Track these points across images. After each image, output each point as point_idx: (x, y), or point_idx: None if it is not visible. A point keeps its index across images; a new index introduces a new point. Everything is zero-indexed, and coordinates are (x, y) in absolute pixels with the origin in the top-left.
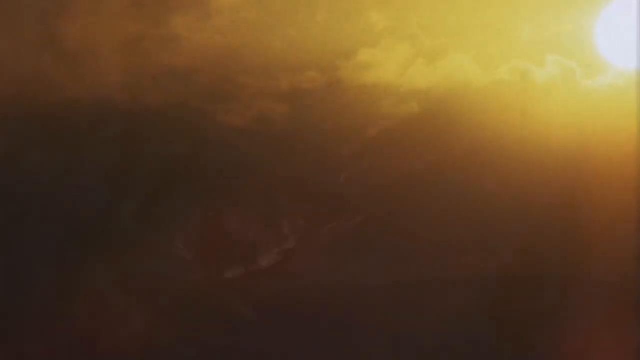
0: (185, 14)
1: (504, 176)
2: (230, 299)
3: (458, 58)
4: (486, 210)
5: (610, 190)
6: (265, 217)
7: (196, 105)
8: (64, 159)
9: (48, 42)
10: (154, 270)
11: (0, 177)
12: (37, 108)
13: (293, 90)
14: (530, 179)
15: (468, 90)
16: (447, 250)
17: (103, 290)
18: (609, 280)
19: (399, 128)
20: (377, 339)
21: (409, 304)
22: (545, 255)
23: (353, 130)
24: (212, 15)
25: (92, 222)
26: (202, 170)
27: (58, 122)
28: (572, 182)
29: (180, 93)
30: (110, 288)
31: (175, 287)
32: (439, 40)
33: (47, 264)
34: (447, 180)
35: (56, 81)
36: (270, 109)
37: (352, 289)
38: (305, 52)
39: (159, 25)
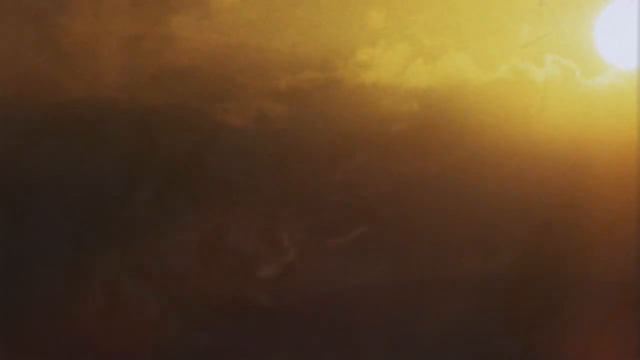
0: (185, 13)
1: (504, 175)
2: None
3: (457, 57)
4: (486, 209)
5: (610, 190)
6: (264, 229)
7: (195, 105)
8: (63, 159)
9: (47, 41)
10: (168, 259)
11: (6, 172)
12: (36, 108)
13: (292, 89)
14: (530, 178)
15: (468, 89)
16: (446, 250)
17: (117, 279)
18: (610, 280)
19: (398, 128)
20: (377, 352)
21: (410, 307)
22: (544, 255)
23: (352, 130)
24: (211, 15)
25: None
26: (201, 171)
27: (57, 121)
28: (572, 181)
29: (179, 92)
30: (124, 276)
31: (189, 276)
32: (438, 39)
33: (60, 254)
34: (447, 180)
35: (55, 80)
36: (270, 109)
37: (353, 303)
38: (305, 52)
39: (158, 25)
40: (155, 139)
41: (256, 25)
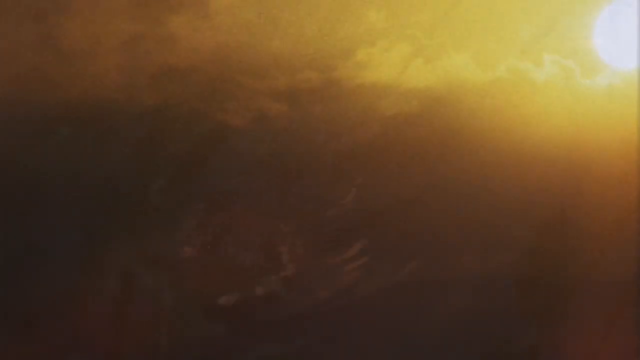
0: (185, 13)
1: (503, 175)
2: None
3: (457, 57)
4: (485, 209)
5: (610, 189)
6: (263, 242)
7: (194, 105)
8: (62, 159)
9: (46, 41)
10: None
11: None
12: (35, 107)
13: (292, 89)
14: (530, 177)
15: (468, 89)
16: (446, 250)
17: (130, 267)
18: (610, 280)
19: (397, 128)
20: None
21: (410, 315)
22: (543, 255)
23: (351, 130)
24: (211, 15)
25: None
26: (200, 173)
27: (55, 121)
28: (571, 181)
29: (178, 92)
30: (138, 264)
31: (203, 264)
32: (438, 39)
33: (74, 243)
34: (446, 180)
35: (54, 80)
36: (269, 109)
37: (352, 322)
38: (304, 52)
39: (158, 25)
40: (154, 139)
41: (255, 25)
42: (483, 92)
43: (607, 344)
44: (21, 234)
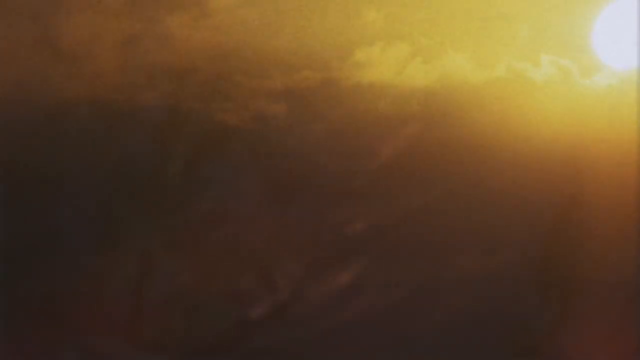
0: (183, 13)
1: (502, 174)
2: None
3: (456, 57)
4: (484, 208)
5: (609, 189)
6: (257, 266)
7: (192, 105)
8: (61, 160)
9: (43, 41)
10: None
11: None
12: (32, 107)
13: (290, 89)
14: (528, 177)
15: (466, 89)
16: (446, 250)
17: (149, 248)
18: (610, 280)
19: (396, 127)
20: None
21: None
22: (543, 254)
23: (350, 130)
24: (209, 14)
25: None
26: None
27: (53, 121)
28: (569, 180)
29: (176, 92)
30: (156, 246)
31: (221, 246)
32: (436, 38)
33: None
34: (445, 180)
35: (51, 80)
36: (268, 109)
37: (350, 344)
38: (302, 51)
39: (156, 25)
40: (153, 139)
41: (254, 25)
42: (482, 92)
43: (610, 345)
44: (40, 218)
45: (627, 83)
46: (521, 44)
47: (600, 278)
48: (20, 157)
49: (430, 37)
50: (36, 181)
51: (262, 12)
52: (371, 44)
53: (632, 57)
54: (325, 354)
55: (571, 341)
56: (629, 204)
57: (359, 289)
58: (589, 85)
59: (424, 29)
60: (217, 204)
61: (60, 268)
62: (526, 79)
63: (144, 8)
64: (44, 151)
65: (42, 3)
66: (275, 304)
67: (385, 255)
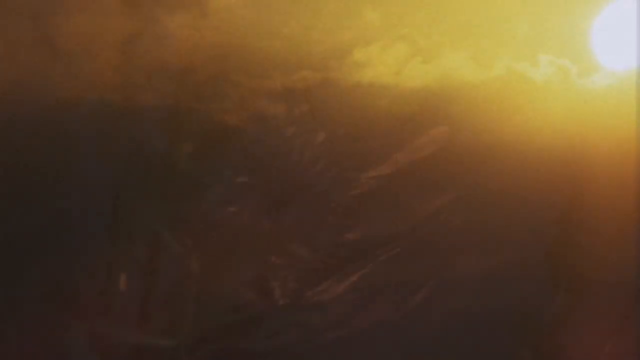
0: (181, 13)
1: (501, 174)
2: None
3: (454, 57)
4: (482, 208)
5: (607, 189)
6: (254, 278)
7: (191, 105)
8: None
9: (41, 41)
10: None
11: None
12: (30, 107)
13: (288, 89)
14: (527, 177)
15: (465, 88)
16: (445, 250)
17: (158, 233)
18: (610, 280)
19: (395, 127)
20: None
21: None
22: (541, 254)
23: (348, 131)
24: (207, 14)
25: None
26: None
27: (51, 121)
28: (568, 180)
29: (174, 92)
30: (166, 230)
31: (230, 231)
32: (435, 38)
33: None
34: (444, 180)
35: (50, 80)
36: (267, 109)
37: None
38: (301, 51)
39: (155, 24)
40: (151, 139)
41: (252, 25)
42: (480, 92)
43: (609, 345)
44: (52, 202)
45: (626, 83)
46: (520, 44)
47: (599, 278)
48: (28, 153)
49: (429, 37)
50: (47, 167)
51: (261, 12)
52: (370, 44)
53: (630, 57)
54: (334, 338)
55: (573, 342)
56: (628, 203)
57: (371, 290)
58: (588, 85)
59: (423, 29)
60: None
61: (71, 255)
62: (525, 78)
63: (144, 8)
64: (48, 147)
65: (41, 3)
66: (283, 292)
67: (388, 258)
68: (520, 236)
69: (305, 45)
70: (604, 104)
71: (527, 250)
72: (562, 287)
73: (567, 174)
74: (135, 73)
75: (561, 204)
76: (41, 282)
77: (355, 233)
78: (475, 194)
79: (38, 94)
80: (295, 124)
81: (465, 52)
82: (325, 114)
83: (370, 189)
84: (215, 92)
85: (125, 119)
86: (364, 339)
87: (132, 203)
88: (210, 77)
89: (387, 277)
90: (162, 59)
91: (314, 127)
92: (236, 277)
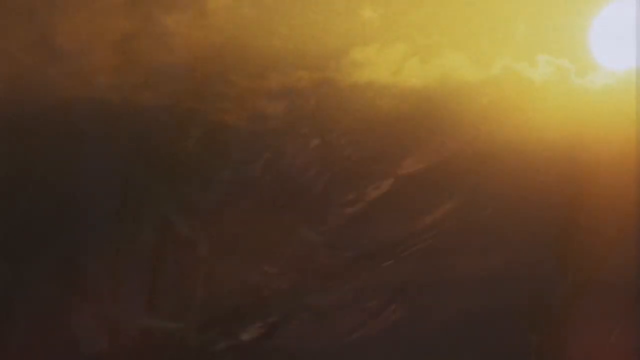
0: (180, 12)
1: (500, 173)
2: None
3: (453, 56)
4: (481, 208)
5: (605, 188)
6: (248, 285)
7: (189, 104)
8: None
9: (38, 40)
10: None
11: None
12: (28, 107)
13: (286, 89)
14: (526, 176)
15: (463, 88)
16: (444, 251)
17: (167, 215)
18: (609, 280)
19: (393, 127)
20: None
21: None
22: (540, 254)
23: (346, 130)
24: (206, 14)
25: None
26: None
27: (49, 122)
28: (567, 180)
29: (172, 92)
30: (175, 213)
31: (239, 213)
32: (433, 38)
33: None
34: (442, 179)
35: (47, 80)
36: (265, 108)
37: None
38: (300, 51)
39: (152, 24)
40: (149, 139)
41: (251, 25)
42: (479, 92)
43: (609, 345)
44: (60, 185)
45: (624, 83)
46: (519, 43)
47: (599, 277)
48: (36, 138)
49: (428, 37)
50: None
51: (259, 11)
52: (368, 43)
53: (629, 57)
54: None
55: (573, 343)
56: (628, 202)
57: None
58: (587, 85)
59: (421, 28)
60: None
61: (79, 239)
62: (524, 78)
63: (142, 7)
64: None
65: (40, 2)
66: (292, 276)
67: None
68: (519, 236)
69: (303, 45)
70: (603, 103)
71: (527, 250)
72: (563, 287)
73: (566, 174)
74: (132, 73)
75: (560, 203)
76: (49, 266)
77: (357, 235)
78: (474, 194)
79: (37, 92)
80: (293, 123)
81: (464, 51)
82: (323, 113)
83: (369, 191)
84: (213, 92)
85: (123, 118)
86: (369, 339)
87: (141, 187)
88: (209, 76)
89: (393, 278)
90: (160, 59)
91: (312, 127)
92: (244, 262)
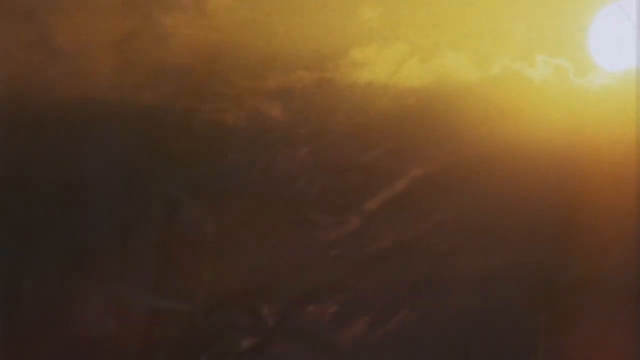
0: (179, 12)
1: (497, 173)
2: None
3: (452, 56)
4: (480, 207)
5: (603, 187)
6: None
7: (188, 104)
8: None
9: (37, 41)
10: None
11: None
12: (27, 107)
13: (285, 89)
14: (524, 176)
15: (462, 88)
16: (445, 251)
17: (175, 197)
18: (609, 280)
19: (392, 126)
20: None
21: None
22: (540, 254)
23: (345, 130)
24: (205, 14)
25: None
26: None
27: (48, 122)
28: (565, 179)
29: (171, 91)
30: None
31: (246, 195)
32: (432, 38)
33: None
34: (441, 179)
35: (47, 80)
36: (264, 108)
37: None
38: (299, 51)
39: (151, 23)
40: (147, 139)
41: (250, 24)
42: (478, 92)
43: (609, 345)
44: (71, 165)
45: (623, 83)
46: (518, 44)
47: (598, 277)
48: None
49: (426, 37)
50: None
51: (258, 12)
52: (367, 43)
53: (627, 57)
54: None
55: (572, 343)
56: (627, 202)
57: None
58: (585, 85)
59: (420, 29)
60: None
61: (87, 218)
62: (523, 78)
63: (142, 8)
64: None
65: (38, 2)
66: (300, 258)
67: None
68: (519, 236)
69: (302, 45)
70: (602, 103)
71: (527, 250)
72: (560, 287)
73: (566, 174)
74: (131, 73)
75: (560, 203)
76: (57, 246)
77: (357, 235)
78: (473, 195)
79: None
80: (292, 123)
81: (463, 52)
82: (322, 113)
83: (368, 192)
84: (212, 92)
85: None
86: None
87: (148, 169)
88: (208, 76)
89: (399, 279)
90: (159, 58)
91: (310, 127)
92: (252, 241)
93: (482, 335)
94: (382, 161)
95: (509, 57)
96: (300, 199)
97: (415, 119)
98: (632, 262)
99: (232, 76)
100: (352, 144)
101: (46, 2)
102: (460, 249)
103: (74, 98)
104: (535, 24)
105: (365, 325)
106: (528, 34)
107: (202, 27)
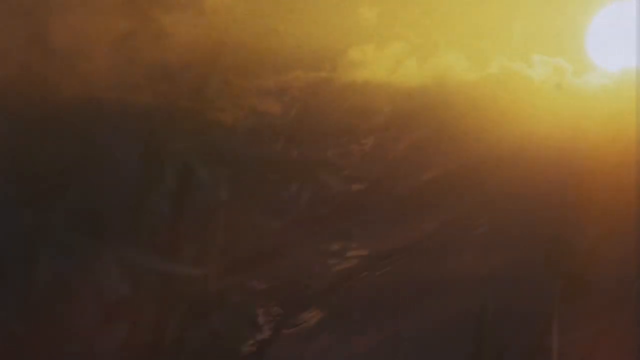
0: (178, 12)
1: (496, 172)
2: None
3: (450, 56)
4: (479, 207)
5: (601, 186)
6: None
7: (187, 104)
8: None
9: (36, 40)
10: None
11: None
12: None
13: (283, 88)
14: (523, 176)
15: (460, 87)
16: (444, 251)
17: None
18: (607, 281)
19: (391, 126)
20: None
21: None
22: (539, 254)
23: (344, 130)
24: (204, 14)
25: None
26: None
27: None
28: (561, 177)
29: (170, 91)
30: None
31: (260, 165)
32: (430, 38)
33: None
34: (440, 178)
35: (46, 79)
36: (262, 107)
37: None
38: (298, 51)
39: (150, 23)
40: (146, 139)
41: (249, 25)
42: (475, 91)
43: (608, 345)
44: (83, 132)
45: (621, 83)
46: (516, 43)
47: (598, 277)
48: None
49: (424, 37)
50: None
51: (256, 11)
52: (365, 42)
53: (625, 57)
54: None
55: (572, 343)
56: (625, 201)
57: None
58: (583, 84)
59: (418, 27)
60: None
61: (103, 185)
62: (521, 78)
63: (141, 7)
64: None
65: (37, 1)
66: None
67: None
68: (519, 236)
69: (300, 45)
70: (600, 103)
71: (527, 250)
72: (558, 287)
73: (565, 174)
74: (129, 72)
75: (559, 203)
76: (74, 211)
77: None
78: (473, 195)
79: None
80: (290, 122)
81: (460, 51)
82: (320, 112)
83: (369, 193)
84: (210, 90)
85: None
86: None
87: (163, 134)
88: (205, 76)
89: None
90: (156, 58)
91: (309, 125)
92: (265, 208)
93: (482, 335)
94: (383, 161)
95: (508, 57)
96: (297, 203)
97: (414, 117)
98: (632, 260)
99: (230, 75)
100: (350, 143)
101: (45, 2)
102: (460, 248)
103: (72, 97)
104: (534, 24)
105: (374, 324)
106: (526, 33)
107: (201, 27)
